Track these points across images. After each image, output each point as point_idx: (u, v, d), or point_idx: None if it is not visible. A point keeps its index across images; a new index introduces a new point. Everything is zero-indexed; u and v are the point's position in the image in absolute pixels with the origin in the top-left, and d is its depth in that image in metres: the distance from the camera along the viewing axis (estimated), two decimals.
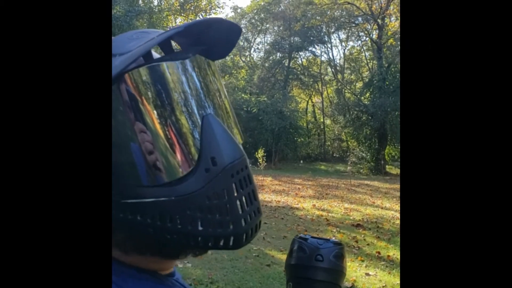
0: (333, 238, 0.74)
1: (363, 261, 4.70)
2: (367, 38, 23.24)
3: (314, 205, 8.62)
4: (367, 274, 4.27)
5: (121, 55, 0.42)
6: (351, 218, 7.34)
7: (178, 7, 20.68)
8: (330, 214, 7.63)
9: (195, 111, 0.43)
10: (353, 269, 4.42)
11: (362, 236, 5.92)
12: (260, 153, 14.82)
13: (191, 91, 0.44)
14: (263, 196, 9.66)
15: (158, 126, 0.41)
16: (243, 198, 0.44)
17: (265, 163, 14.93)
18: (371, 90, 19.92)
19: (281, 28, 25.28)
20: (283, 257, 4.79)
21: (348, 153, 21.56)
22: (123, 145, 0.41)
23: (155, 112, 0.41)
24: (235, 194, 0.43)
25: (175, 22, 23.19)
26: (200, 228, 0.42)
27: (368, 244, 5.45)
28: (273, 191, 10.89)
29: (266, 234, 5.77)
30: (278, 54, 25.37)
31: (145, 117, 0.41)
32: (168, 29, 0.47)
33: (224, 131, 0.44)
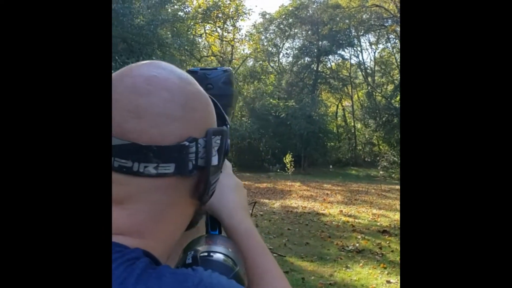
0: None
1: (385, 268, 4.61)
2: (397, 40, 22.80)
3: (341, 211, 8.51)
4: (388, 282, 4.18)
5: None
6: (378, 224, 7.21)
7: (203, 15, 20.88)
8: (356, 220, 7.51)
9: None
10: (374, 276, 4.35)
11: (387, 242, 5.80)
12: (288, 158, 14.78)
13: None
14: (289, 202, 9.63)
15: None
16: None
17: (294, 168, 14.86)
18: None
19: (309, 32, 25.16)
20: (303, 264, 4.79)
21: (379, 158, 21.17)
22: None
23: None
24: None
25: (204, 30, 23.53)
26: None
27: (392, 251, 5.33)
28: (300, 196, 10.83)
29: (288, 240, 5.76)
30: (307, 58, 25.26)
31: None
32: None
33: None
